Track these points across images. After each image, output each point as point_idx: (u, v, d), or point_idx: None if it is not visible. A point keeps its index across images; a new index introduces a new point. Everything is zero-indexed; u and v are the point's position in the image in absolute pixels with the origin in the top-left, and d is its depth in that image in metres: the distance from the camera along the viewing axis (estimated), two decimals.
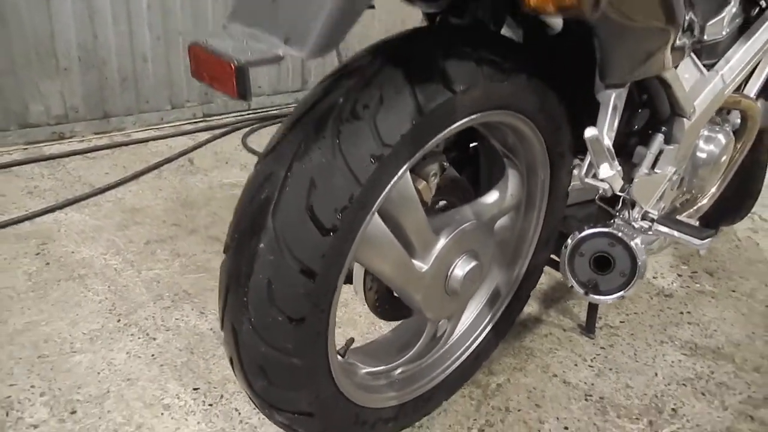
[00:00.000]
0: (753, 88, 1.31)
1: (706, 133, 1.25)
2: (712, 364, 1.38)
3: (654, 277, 1.71)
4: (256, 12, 0.62)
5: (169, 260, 1.52)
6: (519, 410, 1.19)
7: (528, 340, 1.39)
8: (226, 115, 2.43)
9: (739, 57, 1.19)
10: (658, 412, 1.24)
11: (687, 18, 0.95)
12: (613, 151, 0.84)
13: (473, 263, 0.90)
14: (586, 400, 1.25)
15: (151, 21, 2.09)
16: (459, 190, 0.95)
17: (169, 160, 2.01)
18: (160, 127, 2.25)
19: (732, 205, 1.70)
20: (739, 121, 1.37)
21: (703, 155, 1.24)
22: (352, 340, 0.96)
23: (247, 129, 2.33)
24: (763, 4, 1.22)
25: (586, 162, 0.87)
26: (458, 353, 1.08)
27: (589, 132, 0.79)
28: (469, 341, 1.10)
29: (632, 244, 0.86)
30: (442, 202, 0.92)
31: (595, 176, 0.85)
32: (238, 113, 2.46)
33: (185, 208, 1.77)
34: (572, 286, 0.92)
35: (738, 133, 1.39)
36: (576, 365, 1.34)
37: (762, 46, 1.22)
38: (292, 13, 0.59)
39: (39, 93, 1.97)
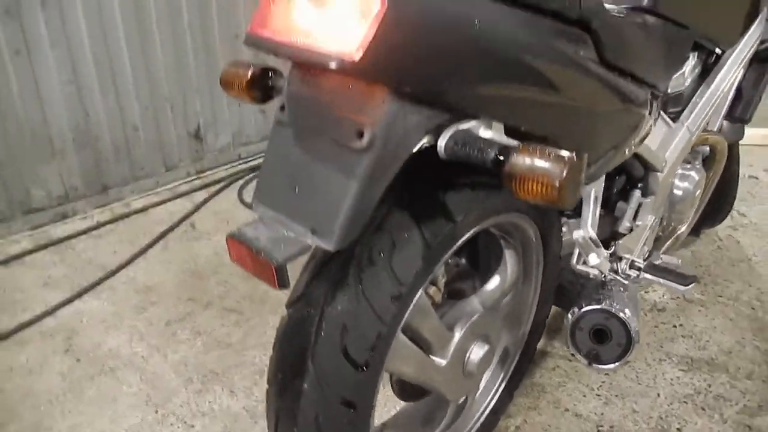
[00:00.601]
0: (715, 124, 1.41)
1: (680, 171, 1.34)
2: (708, 376, 1.49)
3: (646, 292, 1.82)
4: (279, 198, 0.70)
5: (191, 340, 1.60)
6: None
7: (538, 376, 1.49)
8: (219, 168, 2.49)
9: (702, 104, 1.28)
10: None
11: (650, 92, 1.03)
12: (598, 240, 0.93)
13: (486, 347, 0.99)
14: (598, 430, 1.35)
15: (138, 92, 2.14)
16: (464, 278, 1.04)
17: (171, 229, 2.08)
18: (157, 192, 2.31)
19: (711, 210, 1.81)
20: (707, 149, 1.47)
21: (680, 192, 1.34)
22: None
23: (242, 182, 2.40)
24: (718, 51, 1.31)
25: (576, 252, 0.97)
26: (478, 414, 1.18)
27: (577, 234, 0.88)
28: (487, 401, 1.20)
29: (624, 317, 0.95)
30: (451, 295, 1.01)
31: (585, 263, 0.94)
32: (231, 164, 2.53)
33: (196, 279, 1.84)
34: (575, 355, 1.01)
35: (708, 162, 1.49)
36: (584, 396, 1.44)
37: (721, 89, 1.32)
38: (314, 203, 0.67)
39: (38, 178, 2.02)
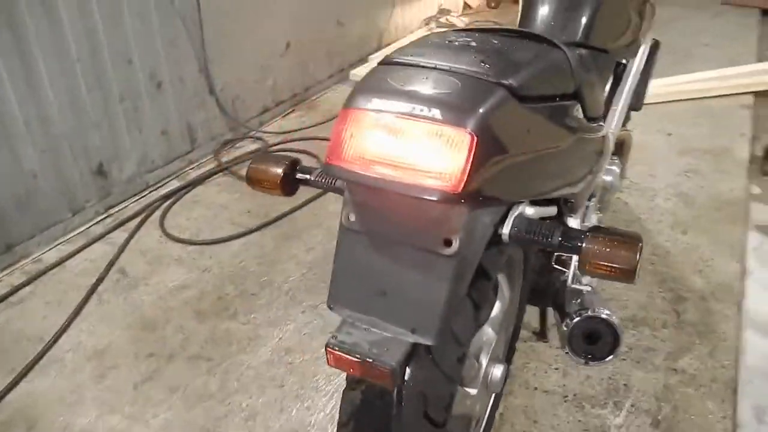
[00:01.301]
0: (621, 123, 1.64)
1: (607, 167, 1.55)
2: (635, 332, 1.77)
3: None
4: (368, 303, 0.75)
5: (167, 399, 1.55)
6: (524, 431, 1.48)
7: None
8: (129, 201, 2.35)
9: (620, 107, 1.48)
10: (616, 391, 1.59)
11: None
12: None
13: (503, 365, 1.12)
14: (565, 401, 1.56)
15: (33, 137, 1.94)
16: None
17: (101, 279, 1.95)
18: (69, 239, 2.14)
19: None
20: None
21: (609, 187, 1.56)
22: None
23: (160, 212, 2.29)
24: (624, 61, 1.51)
25: (571, 272, 1.12)
26: (485, 419, 1.33)
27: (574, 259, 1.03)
28: (489, 405, 1.34)
29: (607, 317, 1.12)
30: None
31: (579, 282, 1.10)
32: (140, 195, 2.39)
33: (148, 331, 1.77)
34: (572, 357, 1.18)
35: (619, 153, 1.72)
36: (546, 372, 1.64)
37: (629, 90, 1.53)
38: (409, 305, 0.73)
39: None
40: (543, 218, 0.99)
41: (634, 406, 1.53)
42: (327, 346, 0.75)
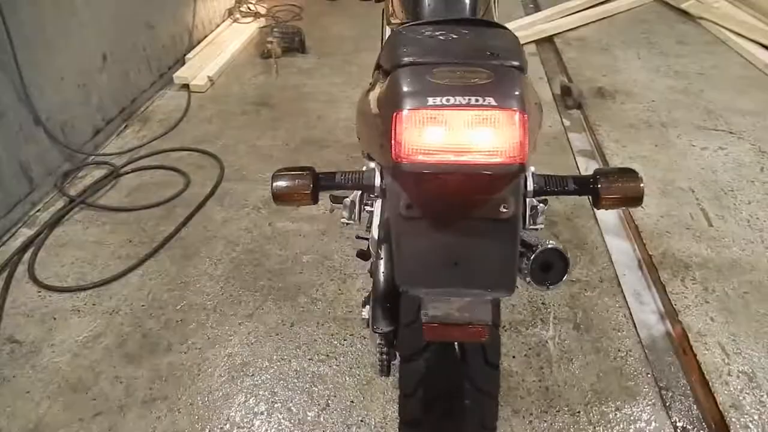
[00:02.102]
0: None
1: None
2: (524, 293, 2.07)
3: None
4: (442, 276, 0.84)
5: None
6: None
7: None
8: None
9: None
10: (539, 310, 1.87)
11: None
12: None
13: None
14: (505, 330, 1.80)
15: None
16: None
17: None
18: None
19: None
20: None
21: None
22: None
23: (23, 266, 2.01)
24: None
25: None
26: None
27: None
28: None
29: (554, 246, 1.35)
30: None
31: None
32: None
33: (81, 392, 1.60)
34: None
35: None
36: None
37: None
38: (481, 268, 0.83)
39: None
40: None
41: (556, 318, 1.82)
42: (423, 323, 0.83)
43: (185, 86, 3.29)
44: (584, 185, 0.91)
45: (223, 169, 2.56)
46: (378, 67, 1.08)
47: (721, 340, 1.76)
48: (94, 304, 1.88)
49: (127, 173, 2.56)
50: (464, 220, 0.83)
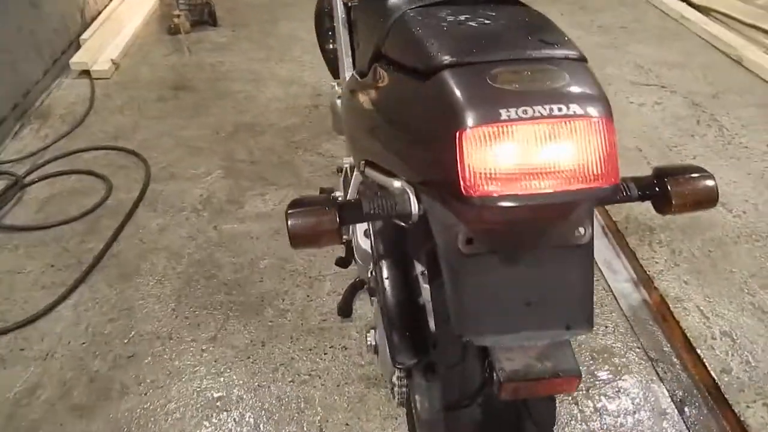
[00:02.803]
0: None
1: None
2: None
3: None
4: (512, 319, 0.70)
5: None
6: None
7: None
8: None
9: None
10: None
11: None
12: None
13: None
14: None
15: None
16: None
17: None
18: None
19: None
20: None
21: None
22: None
23: None
24: None
25: None
26: None
27: None
28: None
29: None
30: None
31: None
32: None
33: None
34: None
35: None
36: None
37: None
38: (557, 304, 0.70)
39: None
40: None
41: None
42: (501, 382, 0.69)
43: (85, 72, 2.89)
44: (649, 188, 0.79)
45: (148, 168, 2.27)
46: (377, 57, 0.89)
47: (699, 303, 1.77)
48: (21, 349, 1.59)
49: (34, 182, 2.20)
50: (539, 250, 0.70)
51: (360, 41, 1.28)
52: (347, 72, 1.56)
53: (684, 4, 3.64)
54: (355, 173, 1.17)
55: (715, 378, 1.56)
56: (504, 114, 0.60)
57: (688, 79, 2.95)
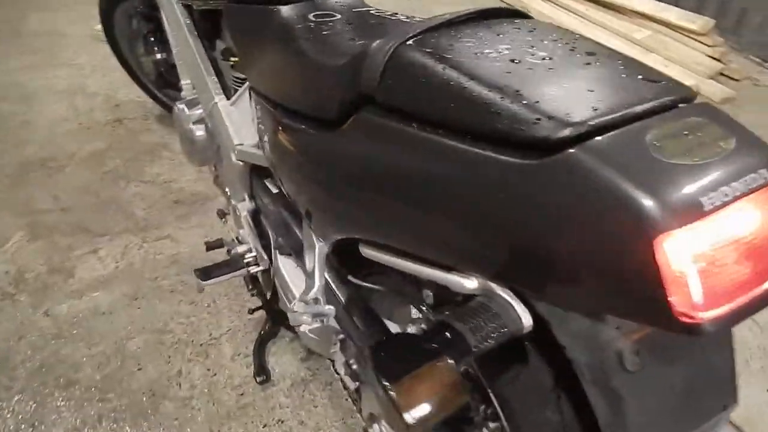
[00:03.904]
0: None
1: None
2: None
3: None
4: (676, 426, 0.56)
5: None
6: None
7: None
8: None
9: None
10: None
11: None
12: None
13: None
14: None
15: None
16: None
17: None
18: None
19: None
20: None
21: None
22: None
23: None
24: None
25: None
26: None
27: None
28: None
29: None
30: None
31: None
32: None
33: None
34: None
35: None
36: None
37: None
38: (709, 391, 0.60)
39: None
40: None
41: None
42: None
43: None
44: None
45: None
46: (354, 102, 0.66)
47: None
48: None
49: None
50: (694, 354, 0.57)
51: (250, 57, 0.98)
52: (213, 92, 1.23)
53: None
54: (318, 249, 0.90)
55: None
56: (707, 202, 0.43)
57: None
